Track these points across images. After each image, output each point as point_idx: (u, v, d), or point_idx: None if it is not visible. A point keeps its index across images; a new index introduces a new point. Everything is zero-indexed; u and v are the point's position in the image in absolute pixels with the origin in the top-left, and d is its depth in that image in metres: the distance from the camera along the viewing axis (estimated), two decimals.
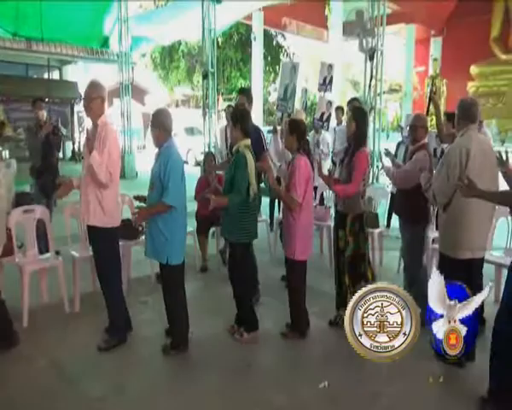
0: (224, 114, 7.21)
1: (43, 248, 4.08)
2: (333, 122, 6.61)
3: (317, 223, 5.36)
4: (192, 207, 5.03)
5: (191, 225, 5.01)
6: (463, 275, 2.31)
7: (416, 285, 3.22)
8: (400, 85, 19.63)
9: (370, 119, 6.89)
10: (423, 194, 3.22)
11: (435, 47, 18.67)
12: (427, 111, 4.58)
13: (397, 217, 3.88)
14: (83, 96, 3.14)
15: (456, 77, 16.96)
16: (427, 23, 17.30)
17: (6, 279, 3.83)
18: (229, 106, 5.49)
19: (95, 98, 3.08)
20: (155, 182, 3.07)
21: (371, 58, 6.69)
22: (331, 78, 5.65)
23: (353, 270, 3.46)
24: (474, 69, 17.64)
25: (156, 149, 3.18)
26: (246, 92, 4.41)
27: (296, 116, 4.87)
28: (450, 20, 17.43)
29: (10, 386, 2.85)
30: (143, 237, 4.36)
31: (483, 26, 16.76)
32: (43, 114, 5.28)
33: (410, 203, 3.53)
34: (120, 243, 4.39)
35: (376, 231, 4.86)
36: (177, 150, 3.16)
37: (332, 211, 5.35)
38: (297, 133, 3.34)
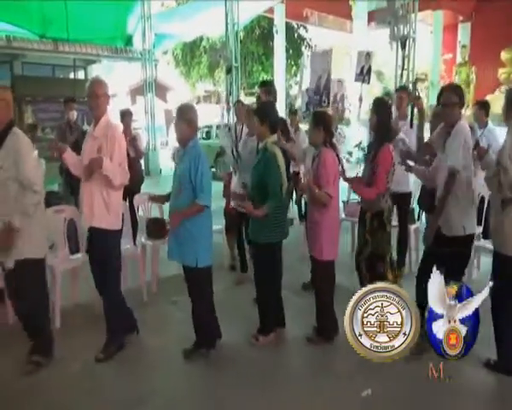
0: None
1: (74, 248, 4.08)
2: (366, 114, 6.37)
3: (349, 219, 5.20)
4: (219, 203, 4.96)
5: (219, 223, 4.95)
6: None
7: None
8: (426, 74, 18.99)
9: None
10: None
11: (463, 33, 17.95)
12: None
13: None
14: (87, 93, 3.01)
15: (485, 64, 16.24)
16: (455, 8, 16.64)
17: None
18: (238, 101, 5.33)
19: (101, 95, 2.99)
20: (184, 183, 2.90)
21: (403, 46, 6.39)
22: (369, 67, 5.34)
23: (372, 270, 3.32)
24: (504, 55, 16.84)
25: (176, 145, 3.08)
26: (268, 86, 4.18)
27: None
28: (479, 3, 16.72)
29: (45, 391, 2.84)
30: None
31: None
32: (74, 114, 5.35)
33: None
34: (149, 243, 4.38)
35: (413, 226, 4.66)
36: (202, 149, 3.03)
37: None
38: (323, 125, 3.17)
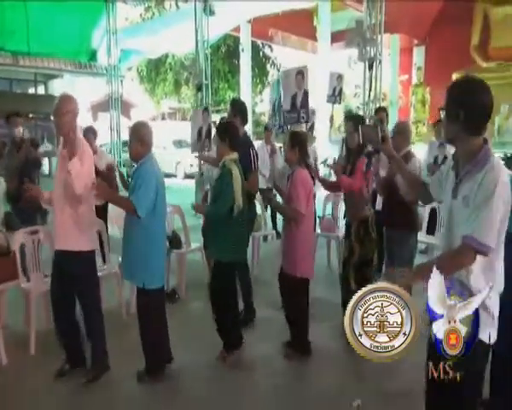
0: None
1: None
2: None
3: (325, 234, 5.30)
4: (198, 221, 4.92)
5: (198, 240, 4.89)
6: None
7: None
8: (385, 94, 19.94)
9: None
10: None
11: (418, 55, 19.05)
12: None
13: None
14: (54, 110, 2.89)
15: (439, 84, 17.21)
16: (410, 32, 17.65)
17: (12, 304, 3.68)
18: (222, 118, 5.30)
19: (66, 113, 2.85)
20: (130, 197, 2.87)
21: (370, 67, 6.70)
22: (340, 89, 5.55)
23: (360, 276, 3.41)
24: (455, 77, 18.01)
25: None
26: (236, 105, 3.93)
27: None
28: (432, 28, 17.82)
29: None
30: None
31: (465, 34, 17.14)
32: (20, 130, 4.84)
33: (401, 212, 3.39)
34: None
35: None
36: (156, 166, 2.97)
37: (341, 222, 5.30)
38: (299, 146, 3.28)
